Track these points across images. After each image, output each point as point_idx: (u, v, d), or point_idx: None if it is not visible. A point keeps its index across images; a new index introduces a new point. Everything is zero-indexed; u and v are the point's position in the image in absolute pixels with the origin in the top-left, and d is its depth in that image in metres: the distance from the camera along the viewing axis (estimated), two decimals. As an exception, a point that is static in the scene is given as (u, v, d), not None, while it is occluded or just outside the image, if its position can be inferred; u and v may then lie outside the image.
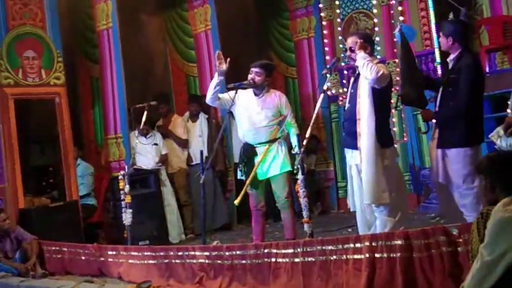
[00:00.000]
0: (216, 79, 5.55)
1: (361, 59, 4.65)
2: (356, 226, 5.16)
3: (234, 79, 6.05)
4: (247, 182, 5.47)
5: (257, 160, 5.51)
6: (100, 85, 7.94)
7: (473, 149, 4.74)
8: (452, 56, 4.89)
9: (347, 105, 5.04)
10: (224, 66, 5.49)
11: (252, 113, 5.58)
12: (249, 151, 5.56)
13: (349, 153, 4.99)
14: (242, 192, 5.51)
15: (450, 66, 4.91)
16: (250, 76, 5.58)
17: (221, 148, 7.87)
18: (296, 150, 4.80)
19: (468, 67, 4.75)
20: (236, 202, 5.57)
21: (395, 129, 7.57)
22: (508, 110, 5.43)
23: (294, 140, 5.50)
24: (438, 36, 5.08)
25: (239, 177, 5.76)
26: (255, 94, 5.63)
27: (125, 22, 7.80)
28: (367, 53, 4.75)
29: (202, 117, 8.05)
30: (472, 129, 4.75)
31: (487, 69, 7.18)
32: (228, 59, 5.49)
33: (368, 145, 4.68)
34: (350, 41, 4.93)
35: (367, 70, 4.58)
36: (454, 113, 4.73)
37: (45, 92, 7.12)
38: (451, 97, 4.76)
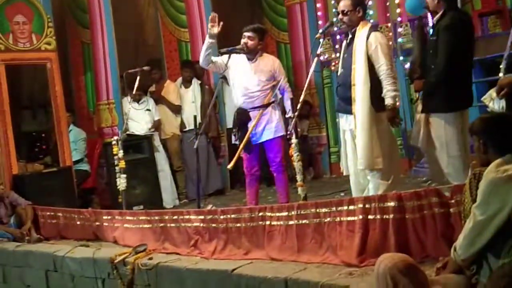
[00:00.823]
0: (207, 42, 5.53)
1: (392, 100, 4.69)
2: (349, 190, 5.21)
3: (226, 44, 6.03)
4: (241, 146, 5.50)
5: (250, 124, 5.52)
6: (91, 51, 7.88)
7: (456, 115, 4.67)
8: (437, 16, 4.79)
9: (340, 70, 5.03)
10: (216, 30, 5.46)
11: (246, 78, 5.57)
12: (243, 115, 5.57)
13: (343, 118, 5.00)
14: (236, 157, 5.54)
15: (431, 26, 4.85)
16: (242, 41, 5.55)
17: (214, 114, 7.87)
18: (289, 114, 4.82)
19: (445, 29, 4.63)
20: (230, 166, 5.61)
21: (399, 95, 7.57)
22: (500, 74, 5.45)
23: (287, 104, 5.51)
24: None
25: (233, 141, 5.78)
26: (248, 59, 5.61)
27: (116, -14, 7.71)
28: (359, 16, 4.76)
29: (195, 83, 8.02)
30: (454, 93, 4.65)
31: (479, 33, 7.17)
32: (221, 23, 5.46)
33: (363, 110, 4.69)
34: (343, 4, 4.90)
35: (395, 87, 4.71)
36: (435, 77, 4.65)
37: (36, 57, 7.07)
38: (432, 62, 4.69)
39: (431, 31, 4.86)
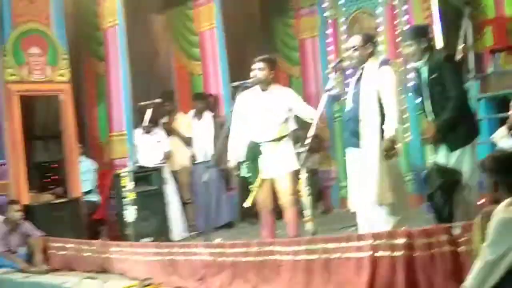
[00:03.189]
0: None
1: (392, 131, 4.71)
2: (358, 225, 5.17)
3: (239, 77, 6.07)
4: (256, 183, 5.48)
5: (262, 158, 5.52)
6: (105, 83, 7.97)
7: (472, 145, 4.70)
8: (423, 60, 4.72)
9: (350, 104, 5.05)
10: None
11: (258, 110, 5.58)
12: (254, 149, 5.58)
13: (351, 153, 5.00)
14: (253, 194, 5.52)
15: (425, 69, 4.72)
16: (252, 73, 5.58)
17: (225, 146, 7.88)
18: (299, 149, 4.81)
19: (446, 60, 4.67)
20: (247, 204, 5.57)
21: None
22: (511, 111, 5.43)
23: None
24: (409, 45, 4.77)
25: (243, 174, 5.77)
26: (262, 90, 5.62)
27: (131, 20, 7.81)
28: (369, 52, 4.78)
29: (207, 115, 8.06)
30: (472, 124, 4.75)
31: (490, 69, 7.19)
32: None
33: (373, 145, 4.71)
34: (353, 41, 4.95)
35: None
36: (455, 111, 4.60)
37: (50, 88, 7.15)
38: (444, 97, 4.62)
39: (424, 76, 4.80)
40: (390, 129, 4.69)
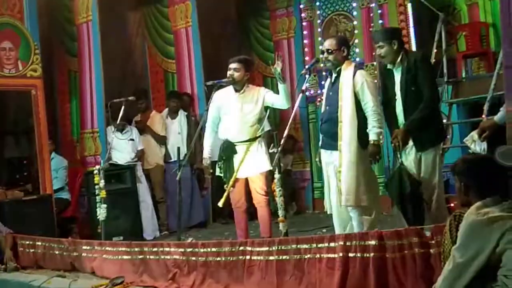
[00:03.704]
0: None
1: (376, 136, 4.76)
2: (331, 227, 5.20)
3: (213, 77, 6.05)
4: (230, 183, 5.47)
5: (236, 158, 5.51)
6: (78, 79, 7.87)
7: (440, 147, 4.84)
8: (396, 62, 4.76)
9: (324, 107, 5.07)
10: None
11: (233, 110, 5.57)
12: (228, 148, 5.56)
13: (326, 154, 5.01)
14: (226, 194, 5.51)
15: (397, 71, 4.77)
16: (228, 73, 5.57)
17: (199, 145, 7.86)
18: (273, 149, 4.81)
19: (423, 60, 4.72)
20: (220, 203, 5.57)
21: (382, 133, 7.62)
22: (483, 116, 5.50)
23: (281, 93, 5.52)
24: (381, 47, 4.78)
25: (217, 173, 5.75)
26: (235, 90, 5.62)
27: (105, 16, 7.74)
28: (344, 56, 4.82)
29: (182, 114, 8.02)
30: (441, 123, 4.86)
31: (463, 74, 7.27)
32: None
33: (350, 147, 4.75)
34: (328, 44, 4.97)
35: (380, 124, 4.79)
36: (427, 110, 4.64)
37: (22, 84, 7.05)
38: (417, 98, 4.65)
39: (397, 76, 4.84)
40: (374, 134, 4.75)
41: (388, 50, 4.74)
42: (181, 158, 5.93)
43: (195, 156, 7.65)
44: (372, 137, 4.75)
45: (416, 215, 4.68)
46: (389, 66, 4.82)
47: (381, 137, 4.84)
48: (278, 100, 5.56)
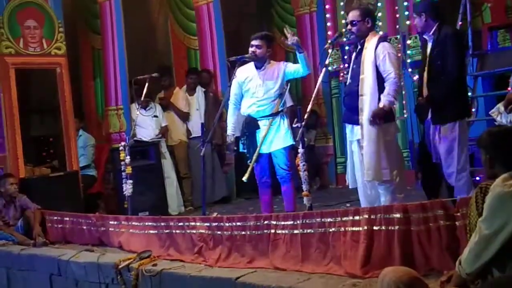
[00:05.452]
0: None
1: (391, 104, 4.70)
2: (355, 201, 5.21)
3: (236, 52, 6.05)
4: (253, 158, 5.50)
5: (259, 133, 5.53)
6: (101, 56, 7.93)
7: (465, 120, 4.80)
8: (429, 33, 4.85)
9: (348, 80, 5.04)
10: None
11: (254, 86, 5.58)
12: (251, 124, 5.58)
13: (349, 128, 5.01)
14: (250, 168, 5.54)
15: (430, 42, 4.86)
16: (250, 50, 5.56)
17: (218, 122, 7.89)
18: (297, 124, 4.81)
19: (452, 37, 4.73)
20: (245, 178, 5.58)
21: (395, 105, 7.57)
22: (509, 88, 5.45)
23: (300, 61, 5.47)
24: (414, 18, 5.00)
25: (240, 150, 5.78)
26: (257, 67, 5.61)
27: (127, -7, 7.76)
28: (368, 27, 4.78)
29: (200, 90, 8.06)
30: (466, 100, 4.85)
31: (488, 47, 7.17)
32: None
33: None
34: (351, 15, 4.92)
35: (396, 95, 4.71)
36: (450, 85, 4.70)
37: (46, 62, 7.12)
38: (441, 72, 4.72)
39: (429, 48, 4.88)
40: (386, 101, 4.70)
41: (418, 21, 4.84)
42: (203, 134, 5.97)
43: (215, 132, 7.68)
44: (383, 102, 4.67)
45: (431, 187, 4.73)
46: (424, 36, 4.86)
47: (394, 106, 4.83)
48: (298, 68, 5.53)
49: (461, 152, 4.70)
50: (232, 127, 5.75)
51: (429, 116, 4.87)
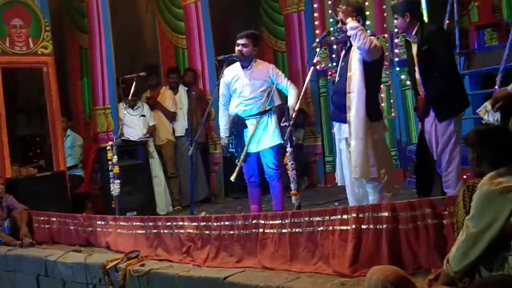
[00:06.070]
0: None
1: (352, 28, 4.59)
2: (343, 200, 5.21)
3: (223, 51, 6.03)
4: (241, 157, 5.49)
5: (247, 133, 5.52)
6: (88, 55, 7.88)
7: (460, 115, 4.86)
8: (411, 33, 4.87)
9: (337, 78, 5.03)
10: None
11: (241, 86, 5.57)
12: (239, 123, 5.57)
13: (337, 127, 5.00)
14: (238, 168, 5.53)
15: (414, 43, 4.87)
16: (237, 48, 5.56)
17: (201, 120, 7.86)
18: (285, 123, 4.81)
19: (437, 33, 4.77)
20: (233, 178, 5.58)
21: (383, 104, 7.59)
22: (496, 87, 5.48)
23: (291, 101, 5.51)
24: (395, 19, 5.05)
25: (230, 149, 5.76)
26: (243, 67, 5.61)
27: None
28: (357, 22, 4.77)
29: (182, 89, 8.04)
30: (460, 94, 4.87)
31: (475, 46, 7.21)
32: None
33: (358, 118, 4.68)
34: (342, 13, 4.90)
35: (360, 40, 4.52)
36: (446, 82, 4.74)
37: (33, 61, 7.06)
38: (434, 69, 4.75)
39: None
40: None
41: (401, 22, 4.80)
42: (191, 134, 5.95)
43: (197, 131, 7.64)
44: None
45: (423, 184, 4.75)
46: (407, 38, 4.86)
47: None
48: (288, 95, 5.64)
49: (454, 146, 4.77)
50: (224, 128, 5.73)
51: (431, 114, 4.88)
